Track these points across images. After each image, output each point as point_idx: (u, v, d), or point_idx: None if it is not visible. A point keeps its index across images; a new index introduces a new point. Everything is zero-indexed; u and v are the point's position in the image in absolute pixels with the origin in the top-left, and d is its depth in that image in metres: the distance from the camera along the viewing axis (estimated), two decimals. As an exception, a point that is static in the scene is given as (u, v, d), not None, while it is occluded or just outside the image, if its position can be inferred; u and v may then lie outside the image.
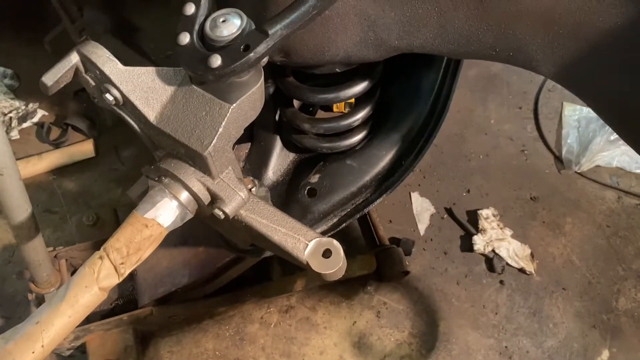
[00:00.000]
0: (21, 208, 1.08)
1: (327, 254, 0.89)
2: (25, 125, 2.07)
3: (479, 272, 1.78)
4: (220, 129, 0.82)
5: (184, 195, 0.90)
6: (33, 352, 0.78)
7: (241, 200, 0.92)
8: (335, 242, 0.91)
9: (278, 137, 1.27)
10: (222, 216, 0.91)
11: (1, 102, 2.07)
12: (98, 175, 1.98)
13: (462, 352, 1.65)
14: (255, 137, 1.27)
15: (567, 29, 0.76)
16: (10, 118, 2.05)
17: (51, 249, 1.58)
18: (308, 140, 1.22)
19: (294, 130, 1.23)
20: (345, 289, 1.73)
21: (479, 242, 1.79)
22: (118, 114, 0.92)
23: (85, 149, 1.99)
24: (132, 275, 1.54)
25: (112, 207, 1.85)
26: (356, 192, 1.22)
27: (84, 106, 2.06)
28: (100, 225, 1.83)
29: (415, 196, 1.90)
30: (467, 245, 1.81)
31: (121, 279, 0.86)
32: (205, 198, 0.91)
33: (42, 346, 0.79)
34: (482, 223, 1.82)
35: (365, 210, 1.25)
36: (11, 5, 2.02)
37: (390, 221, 1.85)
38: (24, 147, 2.04)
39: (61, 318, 0.80)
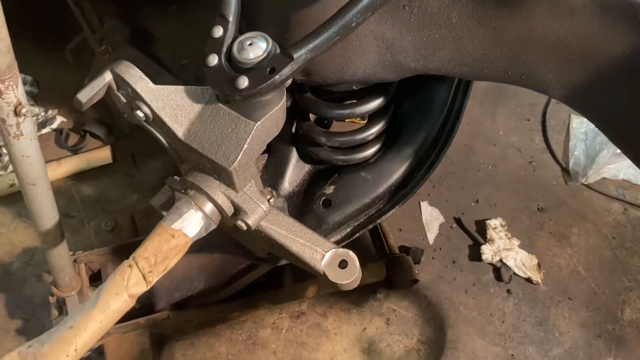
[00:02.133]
0: (49, 216, 1.13)
1: (343, 264, 0.93)
2: (44, 131, 2.13)
3: (487, 281, 1.81)
4: (246, 145, 0.87)
5: (209, 207, 0.95)
6: (67, 355, 0.83)
7: (263, 213, 0.96)
8: (351, 253, 0.95)
9: (294, 149, 1.32)
10: (245, 227, 0.96)
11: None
12: (115, 181, 2.03)
13: (470, 360, 1.68)
14: (272, 148, 1.32)
15: (578, 55, 0.81)
16: (30, 124, 2.10)
17: (71, 253, 1.62)
18: (323, 152, 1.27)
19: (310, 143, 1.27)
20: (355, 296, 1.77)
21: (487, 252, 1.82)
22: (147, 130, 0.97)
23: (102, 155, 2.04)
24: (149, 280, 1.58)
25: (128, 212, 1.90)
26: (370, 203, 1.26)
27: (102, 113, 2.12)
28: (118, 230, 1.88)
29: (424, 206, 1.94)
30: (475, 254, 1.85)
31: (149, 287, 0.90)
32: (229, 210, 0.96)
33: (76, 350, 0.83)
34: (490, 233, 1.85)
35: (378, 221, 1.30)
36: (33, 14, 2.08)
37: (400, 230, 1.89)
38: (43, 153, 2.08)
39: (93, 323, 0.85)
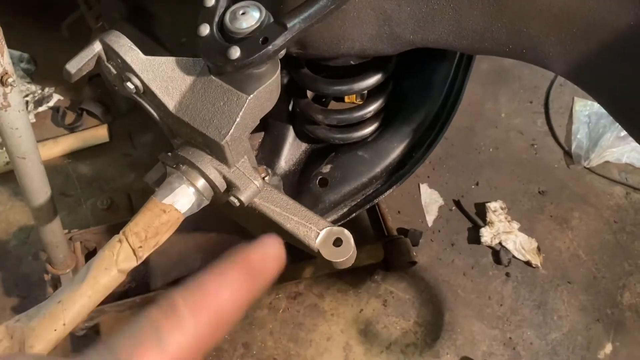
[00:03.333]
0: (41, 191, 1.11)
1: (337, 242, 0.91)
2: (41, 109, 2.10)
3: (486, 264, 1.80)
4: (238, 119, 0.85)
5: (201, 183, 0.93)
6: (55, 330, 0.81)
7: (256, 189, 0.94)
8: (346, 231, 0.93)
9: (291, 127, 1.29)
10: (237, 203, 0.94)
11: (19, 85, 2.09)
12: (112, 160, 2.01)
13: (467, 342, 1.67)
14: (268, 126, 1.30)
15: (581, 28, 0.78)
16: (27, 102, 2.08)
17: (66, 231, 1.61)
18: (320, 130, 1.25)
19: (307, 121, 1.25)
20: (352, 277, 1.76)
21: (486, 235, 1.81)
22: (138, 102, 0.95)
23: (99, 134, 2.02)
24: (145, 259, 1.57)
25: (125, 191, 1.88)
26: (367, 183, 1.24)
27: (99, 92, 2.09)
28: (114, 209, 1.86)
29: (424, 188, 1.92)
30: (474, 237, 1.83)
31: (139, 262, 0.89)
32: (221, 185, 0.94)
33: (64, 324, 0.82)
34: (490, 216, 1.83)
35: (376, 201, 1.28)
36: (29, -10, 2.05)
37: (399, 212, 1.87)
38: (39, 131, 2.07)
39: (82, 298, 0.84)
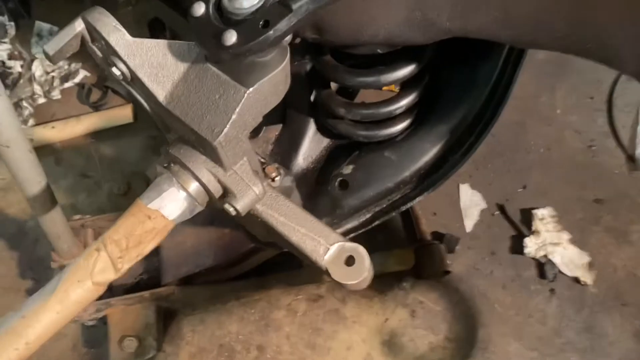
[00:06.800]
0: (33, 181, 1.02)
1: (350, 261, 0.78)
2: (67, 85, 2.04)
3: (528, 278, 1.63)
4: (234, 116, 0.72)
5: (194, 186, 0.81)
6: (16, 349, 0.71)
7: (254, 196, 0.82)
8: (360, 248, 0.80)
9: (312, 120, 1.16)
10: (234, 212, 0.82)
11: (45, 60, 2.04)
12: (135, 142, 1.93)
13: (501, 364, 1.52)
14: (287, 118, 1.16)
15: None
16: (53, 77, 2.02)
17: (78, 216, 1.55)
18: (343, 125, 1.10)
19: (329, 114, 1.11)
20: (379, 283, 1.62)
21: (531, 245, 1.63)
22: (128, 90, 0.84)
23: (123, 113, 1.94)
24: (157, 251, 1.49)
25: (144, 177, 1.80)
26: (393, 187, 1.10)
27: (126, 69, 2.01)
28: (131, 195, 1.78)
29: (464, 188, 1.75)
30: (517, 247, 1.66)
31: (118, 275, 0.78)
32: (216, 190, 0.82)
33: (27, 343, 0.72)
34: (537, 224, 1.65)
35: (403, 208, 1.13)
36: (57, -39, 1.98)
37: (435, 214, 1.71)
38: (64, 108, 2.02)
39: (49, 314, 0.73)
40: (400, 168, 1.08)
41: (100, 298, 1.50)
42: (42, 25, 2.13)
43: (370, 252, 0.73)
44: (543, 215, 1.66)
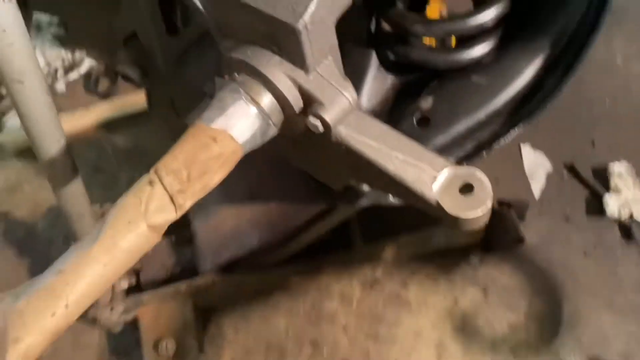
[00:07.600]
0: (51, 135, 0.82)
1: (466, 189, 0.60)
2: (72, 76, 1.87)
3: (612, 242, 1.43)
4: (321, -12, 0.54)
5: (267, 99, 0.63)
6: (53, 315, 0.52)
7: (347, 104, 0.63)
8: (478, 172, 0.62)
9: (374, 53, 0.97)
10: (320, 128, 0.63)
11: (47, 51, 1.87)
12: (151, 130, 1.73)
13: (597, 340, 1.31)
14: (344, 52, 0.98)
15: None
16: (56, 69, 1.85)
17: (98, 205, 1.35)
18: (418, 51, 0.92)
19: (399, 40, 0.93)
20: (443, 260, 1.43)
21: (612, 205, 1.44)
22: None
23: (136, 100, 1.75)
24: (191, 238, 1.29)
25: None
26: (484, 121, 0.91)
27: (135, 54, 1.83)
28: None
29: (526, 149, 1.56)
30: (595, 208, 1.47)
31: (179, 215, 0.58)
32: (296, 102, 0.63)
33: (66, 306, 0.52)
34: (615, 181, 1.46)
35: (492, 149, 0.95)
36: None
37: (497, 179, 1.52)
38: (70, 101, 1.83)
39: (93, 267, 0.54)
40: (493, 94, 0.90)
41: (127, 294, 1.32)
42: (41, 17, 1.96)
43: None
44: (620, 171, 1.47)
